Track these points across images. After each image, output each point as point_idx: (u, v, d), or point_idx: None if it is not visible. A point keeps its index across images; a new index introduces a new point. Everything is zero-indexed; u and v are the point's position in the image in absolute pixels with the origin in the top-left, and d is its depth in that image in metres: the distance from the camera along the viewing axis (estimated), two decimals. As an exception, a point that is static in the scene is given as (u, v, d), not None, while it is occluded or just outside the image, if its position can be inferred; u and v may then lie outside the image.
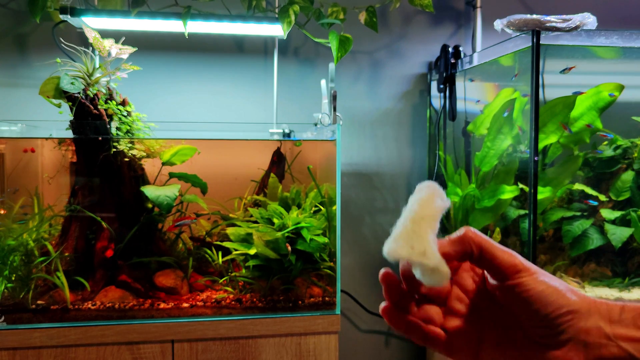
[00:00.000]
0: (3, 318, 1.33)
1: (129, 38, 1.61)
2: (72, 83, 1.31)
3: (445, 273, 0.42)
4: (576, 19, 1.26)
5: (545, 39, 1.27)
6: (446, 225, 1.82)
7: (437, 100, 1.88)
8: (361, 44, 1.91)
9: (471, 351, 0.44)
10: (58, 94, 1.35)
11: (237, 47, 1.85)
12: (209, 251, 1.54)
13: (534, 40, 1.26)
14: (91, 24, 1.61)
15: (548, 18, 1.24)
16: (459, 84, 1.76)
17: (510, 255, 0.41)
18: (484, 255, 0.42)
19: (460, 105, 1.76)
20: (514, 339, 0.42)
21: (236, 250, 1.45)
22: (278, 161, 1.67)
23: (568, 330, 0.39)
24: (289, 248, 1.40)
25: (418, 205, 0.43)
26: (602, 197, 1.46)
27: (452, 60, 1.76)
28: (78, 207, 1.43)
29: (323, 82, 1.62)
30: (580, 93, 1.47)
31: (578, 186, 1.49)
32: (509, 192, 1.45)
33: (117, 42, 1.46)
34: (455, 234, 0.44)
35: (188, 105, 1.83)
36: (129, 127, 1.41)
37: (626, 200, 1.47)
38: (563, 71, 1.48)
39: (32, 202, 1.51)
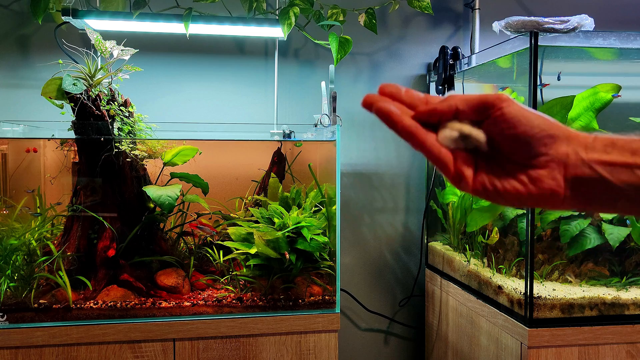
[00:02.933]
0: (5, 317, 1.34)
1: (131, 39, 1.63)
2: (74, 84, 1.32)
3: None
4: (574, 20, 1.27)
5: (543, 41, 1.28)
6: (445, 225, 1.84)
7: (436, 101, 1.89)
8: (361, 45, 1.93)
9: (470, 174, 0.47)
10: (60, 95, 1.36)
11: (238, 49, 1.87)
12: (210, 250, 1.55)
13: (532, 41, 1.27)
14: (93, 25, 1.62)
15: (546, 20, 1.26)
16: (458, 85, 1.77)
17: (492, 94, 0.46)
18: (467, 111, 0.46)
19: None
20: (505, 165, 0.47)
21: (237, 249, 1.46)
22: (278, 161, 1.68)
23: (549, 152, 0.45)
24: (287, 256, 1.41)
25: None
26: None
27: (451, 62, 1.77)
28: (80, 206, 1.44)
29: (323, 83, 1.64)
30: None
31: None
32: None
33: (118, 43, 1.47)
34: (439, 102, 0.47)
35: (189, 106, 1.84)
36: (130, 128, 1.42)
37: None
38: (559, 79, 1.50)
39: (35, 201, 1.52)
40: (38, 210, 1.51)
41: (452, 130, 0.46)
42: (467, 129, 0.46)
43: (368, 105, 0.46)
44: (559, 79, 1.53)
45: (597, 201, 0.45)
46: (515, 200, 0.46)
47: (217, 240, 1.54)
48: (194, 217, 1.61)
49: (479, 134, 0.46)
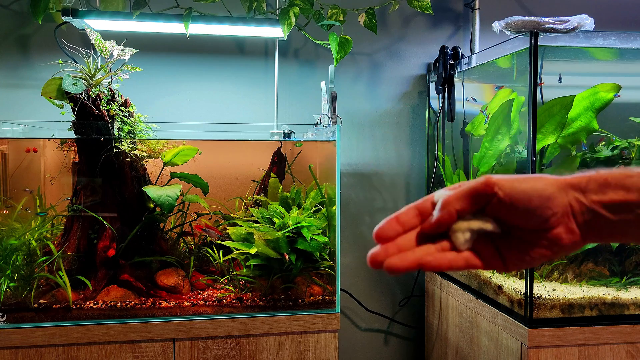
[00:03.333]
0: (5, 317, 1.34)
1: (131, 39, 1.63)
2: (74, 84, 1.32)
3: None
4: (574, 20, 1.27)
5: (543, 41, 1.28)
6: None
7: (435, 101, 1.90)
8: (361, 45, 1.93)
9: (497, 259, 0.49)
10: (60, 95, 1.36)
11: (238, 49, 1.87)
12: (210, 250, 1.55)
13: (532, 41, 1.27)
14: (93, 25, 1.62)
15: (546, 20, 1.26)
16: (458, 85, 1.77)
17: (478, 179, 0.48)
18: (466, 208, 0.48)
19: (458, 106, 1.78)
20: (522, 237, 0.49)
21: (237, 249, 1.46)
22: (278, 161, 1.68)
23: (556, 211, 0.47)
24: (287, 257, 1.42)
25: None
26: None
27: (451, 62, 1.77)
28: (80, 206, 1.44)
29: (323, 83, 1.64)
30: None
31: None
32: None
33: (118, 43, 1.47)
34: (437, 206, 0.49)
35: (189, 106, 1.84)
36: (130, 128, 1.42)
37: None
38: (560, 81, 1.50)
39: (35, 201, 1.52)
40: (38, 210, 1.51)
41: (464, 232, 0.48)
42: (476, 225, 0.48)
43: (378, 265, 0.47)
44: (560, 81, 1.53)
45: (609, 236, 0.48)
46: (545, 260, 0.49)
47: (221, 242, 1.54)
48: (194, 217, 1.61)
49: (487, 225, 0.48)
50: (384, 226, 0.48)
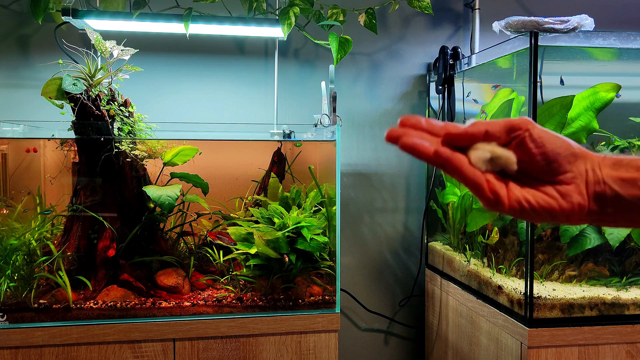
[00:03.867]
0: (5, 317, 1.34)
1: (131, 39, 1.63)
2: (74, 84, 1.32)
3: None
4: (574, 20, 1.27)
5: (543, 41, 1.28)
6: (445, 225, 1.84)
7: (435, 101, 1.90)
8: (361, 45, 1.93)
9: (504, 194, 0.49)
10: (60, 95, 1.36)
11: (238, 49, 1.87)
12: (210, 250, 1.55)
13: (532, 41, 1.27)
14: (93, 25, 1.62)
15: (546, 20, 1.26)
16: (458, 85, 1.77)
17: (517, 118, 0.49)
18: (497, 133, 0.48)
19: (458, 106, 1.78)
20: (530, 183, 0.49)
21: (237, 249, 1.46)
22: (278, 161, 1.68)
23: (573, 170, 0.48)
24: (287, 258, 1.42)
25: None
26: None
27: (451, 62, 1.77)
28: (80, 206, 1.44)
29: (323, 83, 1.64)
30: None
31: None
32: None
33: (118, 43, 1.47)
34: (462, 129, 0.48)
35: (189, 106, 1.84)
36: (130, 128, 1.42)
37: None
38: (562, 83, 1.51)
39: (35, 201, 1.52)
40: (39, 210, 1.51)
41: (484, 151, 0.47)
42: (499, 149, 0.48)
43: (393, 139, 0.47)
44: (562, 83, 1.54)
45: (615, 215, 0.49)
46: (548, 216, 0.49)
47: (231, 244, 1.53)
48: (194, 217, 1.61)
49: (509, 154, 0.48)
50: (411, 118, 0.48)
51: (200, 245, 1.58)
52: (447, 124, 0.49)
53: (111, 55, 1.45)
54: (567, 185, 0.48)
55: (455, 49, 1.78)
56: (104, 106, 1.38)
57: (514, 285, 1.38)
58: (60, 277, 1.38)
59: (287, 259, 1.41)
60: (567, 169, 0.48)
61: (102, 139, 1.39)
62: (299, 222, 1.46)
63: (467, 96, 1.76)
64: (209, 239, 1.59)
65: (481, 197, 0.48)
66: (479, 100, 1.74)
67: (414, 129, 0.48)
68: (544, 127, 0.49)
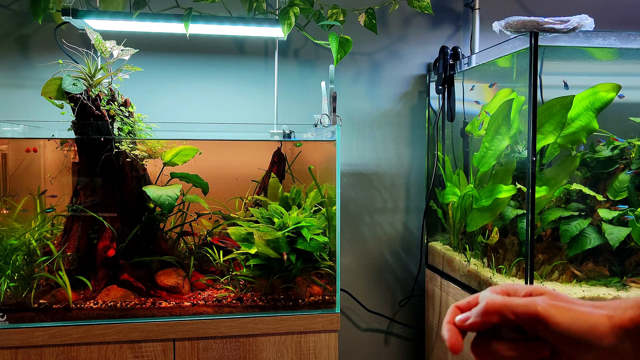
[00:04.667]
0: (5, 317, 1.34)
1: (131, 39, 1.63)
2: (74, 84, 1.32)
3: None
4: (574, 20, 1.27)
5: (543, 41, 1.28)
6: (445, 225, 1.84)
7: (435, 101, 1.90)
8: (361, 45, 1.93)
9: None
10: (60, 95, 1.36)
11: (238, 49, 1.87)
12: (210, 250, 1.55)
13: (532, 41, 1.27)
14: (93, 25, 1.62)
15: (546, 20, 1.26)
16: (458, 85, 1.77)
17: (528, 306, 0.46)
18: (509, 319, 0.47)
19: (458, 106, 1.78)
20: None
21: (240, 248, 1.46)
22: (278, 161, 1.68)
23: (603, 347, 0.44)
24: (286, 257, 1.41)
25: None
26: (600, 197, 1.47)
27: (451, 62, 1.77)
28: (80, 206, 1.44)
29: (323, 83, 1.64)
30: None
31: (576, 186, 1.50)
32: (505, 191, 1.46)
33: (118, 43, 1.47)
34: (478, 308, 0.48)
35: (189, 106, 1.84)
36: (130, 128, 1.42)
37: (623, 200, 1.48)
38: (566, 87, 1.51)
39: (35, 201, 1.52)
40: (39, 210, 1.51)
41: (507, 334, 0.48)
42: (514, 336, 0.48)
43: (456, 350, 0.48)
44: (566, 87, 1.54)
45: None
46: None
47: (235, 248, 1.53)
48: (194, 217, 1.61)
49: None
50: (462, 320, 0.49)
51: (200, 245, 1.58)
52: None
53: (111, 55, 1.45)
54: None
55: (455, 49, 1.78)
56: (104, 106, 1.38)
57: (514, 285, 1.38)
58: (60, 277, 1.38)
59: (285, 257, 1.41)
60: (598, 352, 0.44)
61: (102, 139, 1.39)
62: (299, 222, 1.46)
63: (471, 90, 1.76)
64: (209, 239, 1.59)
65: None
66: (480, 100, 1.74)
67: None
68: (557, 305, 0.46)
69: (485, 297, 0.48)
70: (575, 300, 0.47)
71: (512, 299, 0.47)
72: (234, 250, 1.52)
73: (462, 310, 0.50)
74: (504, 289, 0.51)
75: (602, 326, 0.44)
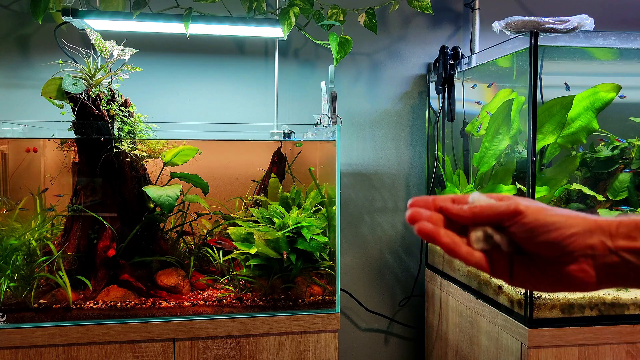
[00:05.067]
0: (5, 317, 1.34)
1: (131, 39, 1.63)
2: (74, 84, 1.32)
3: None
4: (574, 20, 1.27)
5: (543, 41, 1.28)
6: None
7: (435, 101, 1.90)
8: (361, 45, 1.93)
9: (506, 272, 0.51)
10: (60, 95, 1.36)
11: (238, 49, 1.87)
12: (210, 250, 1.55)
13: (532, 41, 1.27)
14: (93, 25, 1.62)
15: (546, 20, 1.26)
16: (458, 85, 1.77)
17: (508, 205, 0.49)
18: (484, 219, 0.50)
19: (458, 106, 1.78)
20: (537, 262, 0.50)
21: (237, 249, 1.46)
22: (278, 161, 1.68)
23: (575, 248, 0.47)
24: (285, 256, 1.41)
25: None
26: (600, 197, 1.47)
27: (451, 62, 1.77)
28: (80, 206, 1.44)
29: (323, 83, 1.64)
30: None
31: (576, 186, 1.50)
32: (506, 192, 1.46)
33: (118, 43, 1.47)
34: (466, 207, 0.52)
35: (189, 106, 1.84)
36: (130, 128, 1.42)
37: (623, 200, 1.48)
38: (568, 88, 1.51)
39: (35, 201, 1.52)
40: (39, 210, 1.51)
41: (477, 232, 0.51)
42: (490, 231, 0.51)
43: (412, 221, 0.51)
44: (567, 89, 1.54)
45: (627, 281, 0.48)
46: (550, 290, 0.50)
47: (231, 250, 1.53)
48: (194, 217, 1.61)
49: (498, 237, 0.51)
50: (420, 198, 0.53)
51: (200, 245, 1.58)
52: (453, 197, 0.53)
53: (111, 55, 1.45)
54: (567, 265, 0.48)
55: (455, 49, 1.78)
56: (104, 106, 1.38)
57: (514, 285, 1.38)
58: (60, 277, 1.38)
59: (285, 256, 1.41)
60: (567, 250, 0.47)
61: (102, 139, 1.39)
62: (299, 222, 1.46)
63: (472, 88, 1.75)
64: (208, 238, 1.59)
65: (487, 273, 0.51)
66: (481, 100, 1.74)
67: (425, 208, 0.52)
68: (535, 204, 0.49)
69: (475, 197, 0.52)
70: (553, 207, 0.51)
71: (497, 198, 0.52)
72: (232, 250, 1.52)
73: (454, 199, 0.53)
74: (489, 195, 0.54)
75: (576, 224, 0.48)
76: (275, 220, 1.48)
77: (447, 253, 0.50)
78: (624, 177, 1.49)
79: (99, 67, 1.41)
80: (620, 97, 1.47)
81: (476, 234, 0.51)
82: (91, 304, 1.38)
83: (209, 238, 1.59)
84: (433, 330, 1.85)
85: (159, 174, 1.55)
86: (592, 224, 0.48)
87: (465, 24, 1.98)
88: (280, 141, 1.65)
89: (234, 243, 1.47)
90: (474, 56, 1.71)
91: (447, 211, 0.51)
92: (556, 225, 0.47)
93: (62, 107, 1.39)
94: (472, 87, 1.75)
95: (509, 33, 1.32)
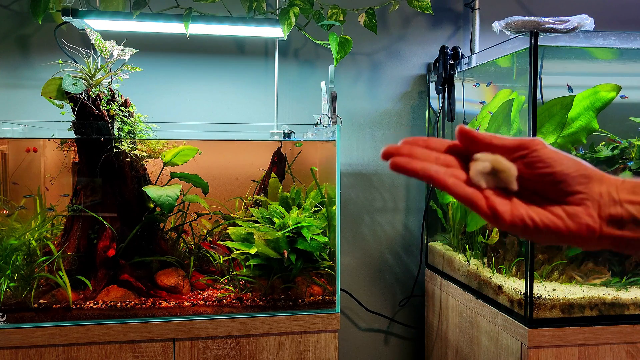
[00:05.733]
0: (5, 317, 1.34)
1: (131, 39, 1.63)
2: (74, 84, 1.32)
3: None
4: (574, 20, 1.27)
5: (543, 41, 1.28)
6: (445, 225, 1.84)
7: (435, 101, 1.90)
8: (361, 45, 1.93)
9: (505, 207, 0.48)
10: (60, 95, 1.36)
11: (238, 49, 1.87)
12: (210, 250, 1.55)
13: (532, 41, 1.27)
14: (93, 25, 1.62)
15: (546, 20, 1.26)
16: (458, 85, 1.77)
17: (519, 138, 0.48)
18: (502, 147, 0.48)
19: (458, 106, 1.78)
20: (540, 199, 0.48)
21: (237, 249, 1.46)
22: (278, 161, 1.68)
23: (585, 191, 0.47)
24: (286, 255, 1.41)
25: None
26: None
27: (451, 62, 1.77)
28: (80, 206, 1.44)
29: (323, 83, 1.64)
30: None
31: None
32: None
33: (118, 43, 1.47)
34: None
35: (189, 106, 1.84)
36: (130, 128, 1.42)
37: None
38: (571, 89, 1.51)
39: (35, 201, 1.52)
40: (39, 210, 1.51)
41: (484, 162, 0.46)
42: (501, 160, 0.47)
43: (387, 156, 0.48)
44: (570, 90, 1.54)
45: (629, 242, 0.47)
46: (553, 236, 0.47)
47: (226, 254, 1.53)
48: (194, 217, 1.61)
49: (511, 167, 0.47)
50: (412, 138, 0.49)
51: (200, 245, 1.58)
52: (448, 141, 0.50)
53: (111, 55, 1.45)
54: (576, 206, 0.47)
55: (455, 49, 1.78)
56: (104, 106, 1.38)
57: (514, 285, 1.38)
58: (60, 277, 1.38)
59: (286, 255, 1.41)
60: (577, 189, 0.47)
61: (102, 139, 1.39)
62: (299, 222, 1.46)
63: (474, 86, 1.75)
64: (208, 238, 1.59)
65: (478, 212, 0.47)
66: (482, 101, 1.74)
67: (409, 145, 0.48)
68: (554, 149, 0.48)
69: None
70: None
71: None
72: (222, 259, 1.52)
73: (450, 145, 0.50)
74: None
75: (590, 168, 0.48)
76: (275, 220, 1.48)
77: (434, 184, 0.47)
78: (624, 177, 1.48)
79: (99, 67, 1.41)
80: (621, 97, 1.47)
81: (483, 164, 0.46)
82: (91, 304, 1.38)
83: (208, 239, 1.59)
84: (433, 330, 1.85)
85: (159, 174, 1.55)
86: (602, 175, 0.48)
87: (465, 24, 1.98)
88: (280, 141, 1.65)
89: (233, 244, 1.47)
90: (474, 56, 1.71)
91: (452, 145, 0.49)
92: (572, 162, 0.47)
93: (62, 107, 1.39)
94: (475, 86, 1.75)
95: (509, 33, 1.32)
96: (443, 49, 1.79)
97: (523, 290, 1.31)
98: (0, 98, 1.74)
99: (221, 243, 1.53)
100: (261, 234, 1.42)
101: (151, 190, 1.41)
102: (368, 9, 1.70)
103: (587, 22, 1.28)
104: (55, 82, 1.35)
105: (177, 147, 1.51)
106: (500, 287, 1.41)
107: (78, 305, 1.37)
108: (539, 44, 1.27)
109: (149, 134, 1.47)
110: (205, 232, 1.62)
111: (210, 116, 1.85)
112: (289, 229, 1.45)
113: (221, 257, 1.53)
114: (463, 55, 1.78)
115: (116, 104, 1.42)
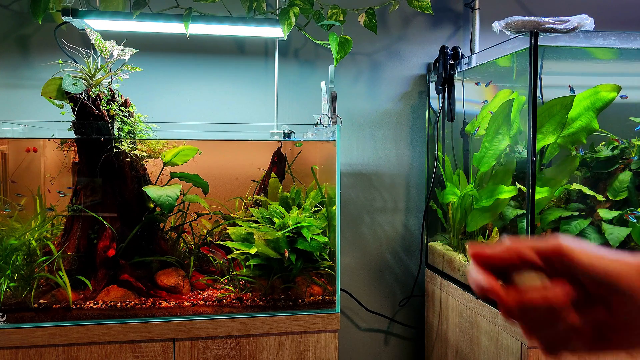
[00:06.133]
0: (5, 317, 1.34)
1: (131, 39, 1.63)
2: (74, 84, 1.32)
3: None
4: (574, 20, 1.27)
5: (543, 41, 1.28)
6: (445, 225, 1.84)
7: (435, 101, 1.90)
8: (361, 45, 1.93)
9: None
10: (60, 95, 1.36)
11: (238, 49, 1.87)
12: (208, 255, 1.55)
13: (532, 41, 1.27)
14: (93, 25, 1.62)
15: (546, 20, 1.26)
16: (458, 85, 1.77)
17: (549, 241, 0.44)
18: (529, 259, 0.45)
19: (458, 106, 1.78)
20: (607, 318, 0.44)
21: (237, 249, 1.46)
22: (278, 161, 1.68)
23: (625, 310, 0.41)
24: (286, 254, 1.41)
25: None
26: (600, 197, 1.47)
27: (451, 62, 1.77)
28: (80, 206, 1.44)
29: (323, 83, 1.64)
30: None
31: (576, 186, 1.50)
32: (506, 192, 1.46)
33: (118, 43, 1.47)
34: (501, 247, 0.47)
35: (189, 106, 1.84)
36: (130, 128, 1.42)
37: (623, 200, 1.48)
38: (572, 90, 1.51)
39: (35, 201, 1.52)
40: (39, 207, 1.51)
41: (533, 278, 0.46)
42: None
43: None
44: (572, 91, 1.54)
45: None
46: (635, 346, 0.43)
47: (221, 242, 1.54)
48: (194, 217, 1.61)
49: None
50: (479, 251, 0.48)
51: (200, 245, 1.58)
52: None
53: (111, 55, 1.45)
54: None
55: (455, 49, 1.78)
56: (104, 106, 1.38)
57: (514, 285, 1.38)
58: (60, 277, 1.38)
59: (287, 255, 1.41)
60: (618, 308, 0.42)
61: (102, 139, 1.39)
62: (299, 222, 1.46)
63: (477, 84, 1.75)
64: (208, 239, 1.59)
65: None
66: (484, 100, 1.74)
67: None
68: (581, 246, 0.43)
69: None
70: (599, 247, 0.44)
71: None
72: (221, 262, 1.52)
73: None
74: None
75: (628, 267, 0.41)
76: (275, 220, 1.48)
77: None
78: (624, 177, 1.48)
79: (99, 67, 1.41)
80: (622, 97, 1.47)
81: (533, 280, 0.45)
82: (91, 304, 1.38)
83: (208, 238, 1.59)
84: (433, 330, 1.85)
85: (159, 174, 1.55)
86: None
87: (465, 24, 1.98)
88: (280, 141, 1.65)
89: (233, 244, 1.47)
90: (474, 56, 1.71)
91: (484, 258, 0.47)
92: (604, 261, 0.42)
93: (62, 107, 1.39)
94: (477, 84, 1.75)
95: (509, 33, 1.32)
96: (443, 49, 1.79)
97: (523, 290, 1.30)
98: (0, 98, 1.74)
99: (219, 248, 1.53)
100: (261, 234, 1.42)
101: (151, 190, 1.41)
102: (368, 9, 1.70)
103: (587, 22, 1.28)
104: (55, 82, 1.35)
105: (177, 147, 1.51)
106: (500, 287, 1.41)
107: (78, 305, 1.37)
108: (539, 44, 1.27)
109: (149, 134, 1.47)
110: (205, 232, 1.62)
111: (210, 116, 1.85)
112: (289, 229, 1.45)
113: (220, 261, 1.53)
114: (463, 55, 1.78)
115: (116, 104, 1.42)
